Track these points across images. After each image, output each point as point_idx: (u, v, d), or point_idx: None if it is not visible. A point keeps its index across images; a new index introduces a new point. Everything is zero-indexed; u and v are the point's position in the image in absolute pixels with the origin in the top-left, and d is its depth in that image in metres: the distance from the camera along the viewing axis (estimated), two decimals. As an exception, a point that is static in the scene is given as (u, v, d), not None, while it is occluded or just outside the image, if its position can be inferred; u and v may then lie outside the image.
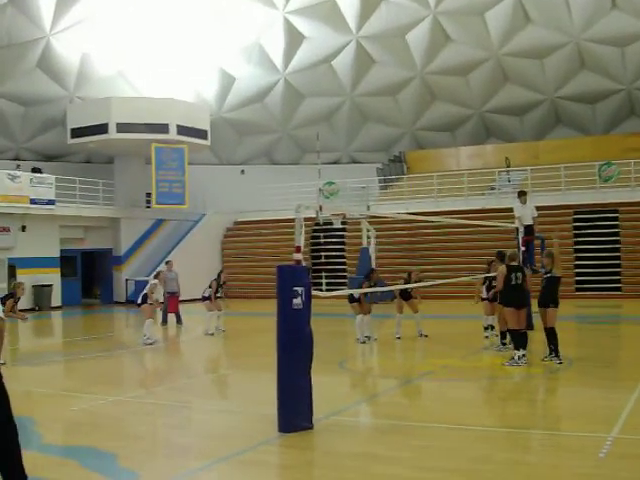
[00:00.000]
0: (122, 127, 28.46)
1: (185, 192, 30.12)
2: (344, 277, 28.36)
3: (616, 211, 25.58)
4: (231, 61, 33.37)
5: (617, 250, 25.20)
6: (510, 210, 16.41)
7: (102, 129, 28.60)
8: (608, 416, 7.66)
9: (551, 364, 11.02)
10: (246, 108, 34.46)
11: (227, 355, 15.15)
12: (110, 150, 30.99)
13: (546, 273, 11.37)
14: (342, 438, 7.12)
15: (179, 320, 19.59)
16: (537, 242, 16.00)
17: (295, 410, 7.31)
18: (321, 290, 22.57)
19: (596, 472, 5.91)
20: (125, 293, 28.80)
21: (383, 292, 19.15)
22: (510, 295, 11.40)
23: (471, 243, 25.94)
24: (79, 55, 30.55)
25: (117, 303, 28.77)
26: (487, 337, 14.10)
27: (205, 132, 31.28)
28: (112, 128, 28.44)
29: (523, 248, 14.84)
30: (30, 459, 5.33)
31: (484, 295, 14.01)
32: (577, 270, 25.25)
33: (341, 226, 28.66)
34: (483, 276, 14.00)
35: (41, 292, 25.78)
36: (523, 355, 11.06)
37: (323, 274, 28.88)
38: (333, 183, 31.20)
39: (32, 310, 24.30)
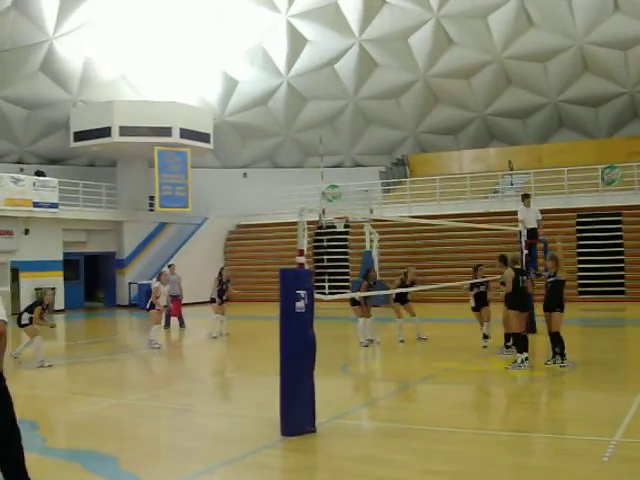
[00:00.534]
0: (125, 130, 28.54)
1: (188, 195, 30.13)
2: (347, 280, 28.38)
3: (619, 214, 25.53)
4: (234, 64, 33.40)
5: (620, 253, 25.13)
6: (513, 213, 16.39)
7: (105, 132, 28.68)
8: (612, 419, 7.64)
9: (554, 367, 11.01)
10: (249, 111, 34.47)
11: (230, 358, 15.15)
12: (113, 153, 31.04)
13: (550, 277, 11.35)
14: (345, 441, 7.11)
15: (182, 323, 19.61)
16: (540, 245, 15.97)
17: (298, 413, 7.31)
18: (324, 293, 22.54)
19: (600, 476, 5.89)
20: (128, 296, 28.84)
21: (385, 295, 19.11)
22: (516, 298, 11.40)
23: (474, 246, 25.87)
24: (82, 58, 30.58)
25: (120, 306, 28.79)
26: (485, 347, 13.74)
27: (208, 135, 31.34)
28: (115, 131, 28.53)
29: (526, 251, 14.82)
30: (33, 462, 5.32)
31: (473, 304, 13.83)
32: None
33: (344, 229, 28.61)
34: (470, 282, 13.83)
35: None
36: (526, 358, 11.05)
37: (326, 277, 28.86)
38: (336, 186, 31.20)
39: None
